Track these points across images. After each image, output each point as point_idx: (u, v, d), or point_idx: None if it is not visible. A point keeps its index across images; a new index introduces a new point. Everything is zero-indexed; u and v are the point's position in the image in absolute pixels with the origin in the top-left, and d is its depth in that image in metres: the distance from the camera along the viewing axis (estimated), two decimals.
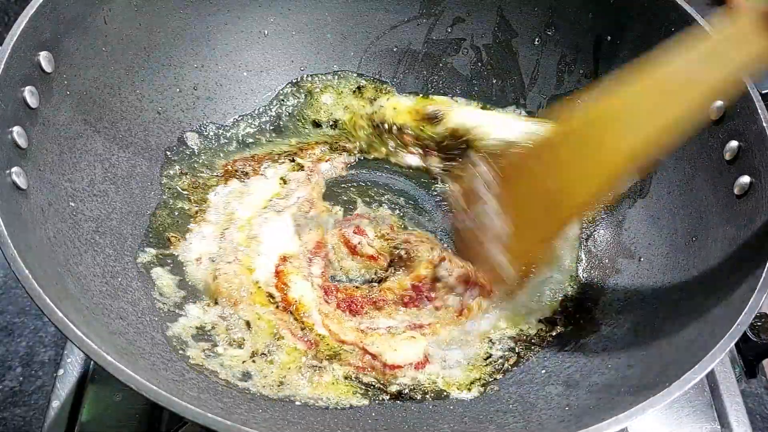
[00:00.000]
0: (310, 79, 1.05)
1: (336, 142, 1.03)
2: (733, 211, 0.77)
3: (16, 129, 0.69)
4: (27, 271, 0.59)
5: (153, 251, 0.85)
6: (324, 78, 1.06)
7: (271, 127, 1.02)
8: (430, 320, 0.85)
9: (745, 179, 0.76)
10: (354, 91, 1.06)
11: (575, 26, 0.99)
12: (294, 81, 1.05)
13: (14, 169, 0.68)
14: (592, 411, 0.70)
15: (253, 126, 1.01)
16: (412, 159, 1.01)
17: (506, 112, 1.05)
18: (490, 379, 0.81)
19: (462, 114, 0.99)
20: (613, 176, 0.73)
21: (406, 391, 0.79)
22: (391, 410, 0.77)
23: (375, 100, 1.05)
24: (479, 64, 1.06)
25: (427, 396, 0.79)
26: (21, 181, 0.68)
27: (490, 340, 0.85)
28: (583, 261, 0.93)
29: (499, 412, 0.76)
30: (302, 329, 0.82)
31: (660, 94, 0.69)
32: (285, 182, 0.97)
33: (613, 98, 0.72)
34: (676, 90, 0.68)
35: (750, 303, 0.65)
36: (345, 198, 0.98)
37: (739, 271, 0.72)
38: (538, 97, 1.04)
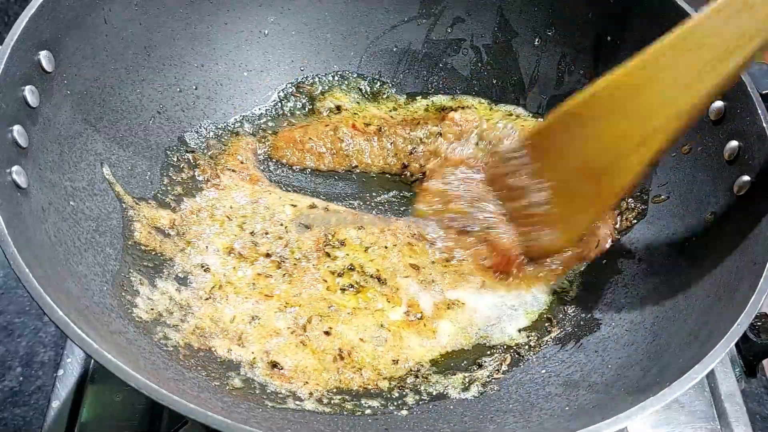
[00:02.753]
0: (309, 79, 1.05)
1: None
2: (733, 210, 0.77)
3: (17, 128, 0.69)
4: (27, 271, 0.59)
5: None
6: (324, 78, 1.06)
7: (272, 127, 1.02)
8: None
9: (745, 179, 0.76)
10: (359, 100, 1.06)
11: (575, 26, 0.99)
12: (294, 81, 1.05)
13: (14, 168, 0.68)
14: (592, 411, 0.70)
15: (253, 126, 1.01)
16: None
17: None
18: (490, 379, 0.81)
19: None
20: (656, 138, 0.71)
21: (407, 391, 0.79)
22: (392, 411, 0.77)
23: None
24: (479, 64, 1.06)
25: (427, 396, 0.79)
26: (21, 181, 0.68)
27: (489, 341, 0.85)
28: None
29: (499, 412, 0.76)
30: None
31: (685, 52, 0.67)
32: None
33: (637, 62, 0.71)
34: (701, 46, 0.66)
35: (750, 303, 0.65)
36: None
37: (739, 271, 0.72)
38: (538, 97, 1.04)
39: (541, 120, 0.91)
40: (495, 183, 0.87)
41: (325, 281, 0.87)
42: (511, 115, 1.03)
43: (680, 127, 0.69)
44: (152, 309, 0.78)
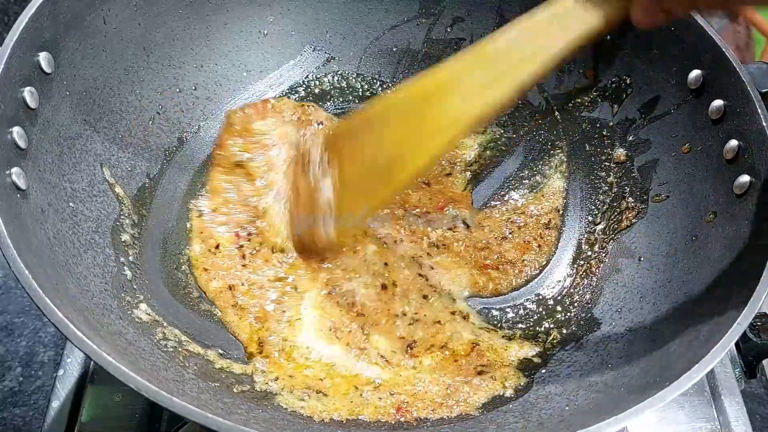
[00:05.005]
0: (309, 79, 1.05)
1: None
2: (733, 210, 0.77)
3: (16, 129, 0.69)
4: (27, 271, 0.59)
5: None
6: (323, 78, 1.06)
7: None
8: None
9: (745, 179, 0.76)
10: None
11: None
12: (294, 82, 1.05)
13: (14, 169, 0.68)
14: (592, 411, 0.70)
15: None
16: None
17: None
18: None
19: None
20: (441, 144, 0.76)
21: None
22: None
23: None
24: None
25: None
26: (21, 182, 0.68)
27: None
28: (583, 260, 0.93)
29: (499, 412, 0.76)
30: None
31: (488, 66, 0.72)
32: None
33: (441, 70, 0.75)
34: (504, 61, 0.71)
35: (750, 303, 0.65)
36: None
37: (739, 271, 0.72)
38: (537, 96, 1.04)
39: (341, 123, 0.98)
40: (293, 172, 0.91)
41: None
42: None
43: (461, 135, 0.76)
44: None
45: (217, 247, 0.87)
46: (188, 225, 0.90)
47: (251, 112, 0.95)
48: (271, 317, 0.83)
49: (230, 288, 0.84)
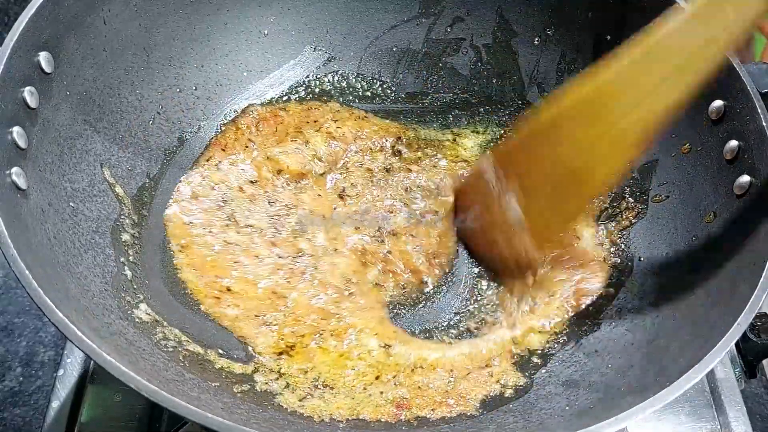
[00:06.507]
0: (309, 79, 1.05)
1: None
2: (733, 210, 0.77)
3: (16, 129, 0.69)
4: (27, 272, 0.59)
5: None
6: (324, 78, 1.06)
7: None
8: None
9: (745, 179, 0.76)
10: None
11: (575, 26, 0.99)
12: (294, 81, 1.05)
13: (14, 169, 0.68)
14: (592, 411, 0.70)
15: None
16: None
17: None
18: None
19: None
20: (628, 147, 0.74)
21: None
22: None
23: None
24: (479, 63, 1.06)
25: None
26: (21, 182, 0.68)
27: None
28: None
29: (499, 412, 0.76)
30: None
31: (654, 63, 0.69)
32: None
33: (610, 71, 0.72)
34: (669, 57, 0.69)
35: (750, 303, 0.65)
36: None
37: (739, 271, 0.72)
38: (538, 96, 1.04)
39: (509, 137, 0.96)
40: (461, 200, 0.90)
41: None
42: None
43: (646, 137, 0.73)
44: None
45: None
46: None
47: (265, 131, 0.96)
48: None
49: (256, 315, 0.82)
